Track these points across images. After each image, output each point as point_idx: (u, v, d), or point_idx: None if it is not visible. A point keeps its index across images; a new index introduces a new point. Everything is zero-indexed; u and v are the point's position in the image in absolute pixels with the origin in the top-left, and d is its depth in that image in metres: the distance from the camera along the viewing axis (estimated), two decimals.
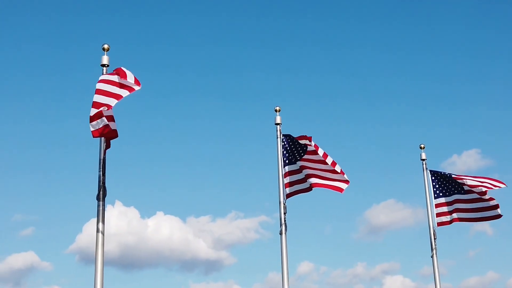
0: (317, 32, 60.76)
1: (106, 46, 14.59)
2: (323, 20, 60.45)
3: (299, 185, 17.57)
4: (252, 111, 55.95)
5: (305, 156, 17.39)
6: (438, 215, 20.78)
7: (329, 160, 17.03)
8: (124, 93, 13.45)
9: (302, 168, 17.47)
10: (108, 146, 13.68)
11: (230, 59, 60.17)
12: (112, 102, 13.23)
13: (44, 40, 56.79)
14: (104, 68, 14.42)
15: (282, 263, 16.75)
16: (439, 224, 20.77)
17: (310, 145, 17.16)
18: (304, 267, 48.59)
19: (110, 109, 13.11)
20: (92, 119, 13.08)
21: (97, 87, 13.48)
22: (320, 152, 17.12)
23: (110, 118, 13.14)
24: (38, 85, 56.06)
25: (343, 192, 17.13)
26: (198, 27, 60.62)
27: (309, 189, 17.51)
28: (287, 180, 17.53)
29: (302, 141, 17.31)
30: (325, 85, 59.14)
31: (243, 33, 60.60)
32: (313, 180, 17.37)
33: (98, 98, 13.30)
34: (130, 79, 13.53)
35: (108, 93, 13.41)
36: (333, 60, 59.95)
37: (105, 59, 14.53)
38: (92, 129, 13.08)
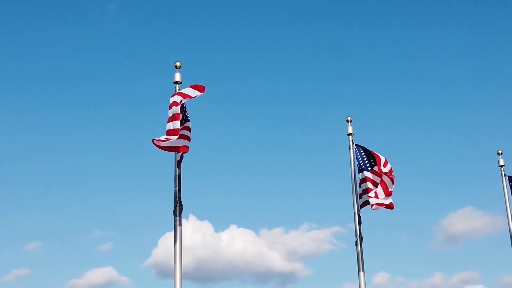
0: (388, 41, 60.13)
1: (178, 63, 14.91)
2: (396, 29, 59.77)
3: (365, 195, 17.28)
4: (324, 121, 55.69)
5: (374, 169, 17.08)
6: None
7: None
8: (193, 93, 13.85)
9: (367, 180, 17.17)
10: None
11: (303, 70, 60.19)
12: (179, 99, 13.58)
13: (122, 56, 58.42)
14: (177, 86, 14.72)
15: (358, 274, 16.63)
16: None
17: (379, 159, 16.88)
18: (380, 277, 47.87)
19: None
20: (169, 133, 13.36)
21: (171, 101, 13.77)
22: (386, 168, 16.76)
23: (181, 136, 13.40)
24: (109, 100, 57.55)
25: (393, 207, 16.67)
26: (267, 36, 61.01)
27: (366, 202, 17.10)
28: (360, 190, 17.36)
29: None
30: (397, 94, 58.32)
31: (315, 42, 60.59)
32: (371, 195, 16.98)
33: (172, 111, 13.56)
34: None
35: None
36: (404, 69, 59.13)
37: (177, 77, 14.85)
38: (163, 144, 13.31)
